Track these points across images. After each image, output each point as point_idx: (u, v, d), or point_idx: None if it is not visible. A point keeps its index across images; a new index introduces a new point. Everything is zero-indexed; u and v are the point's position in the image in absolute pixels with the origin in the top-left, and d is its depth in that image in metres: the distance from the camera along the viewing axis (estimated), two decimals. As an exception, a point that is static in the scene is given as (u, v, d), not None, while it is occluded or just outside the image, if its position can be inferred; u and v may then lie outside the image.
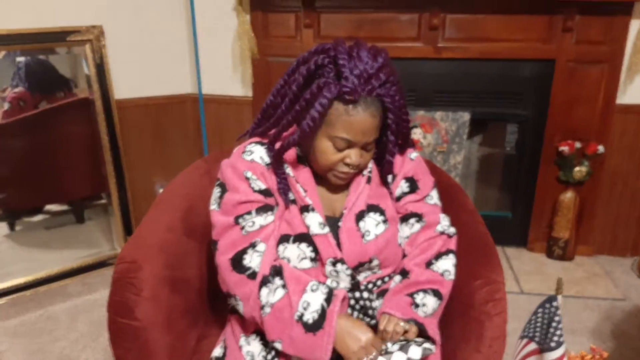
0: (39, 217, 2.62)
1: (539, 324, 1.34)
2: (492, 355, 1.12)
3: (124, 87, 2.43)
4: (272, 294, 1.02)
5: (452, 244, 1.19)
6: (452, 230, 1.20)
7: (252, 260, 1.05)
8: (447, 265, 1.15)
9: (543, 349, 1.28)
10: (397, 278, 1.15)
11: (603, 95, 2.39)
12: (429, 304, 1.09)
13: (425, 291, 1.11)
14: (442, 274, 1.13)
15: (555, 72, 2.39)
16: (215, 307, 1.33)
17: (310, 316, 1.00)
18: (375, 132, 1.03)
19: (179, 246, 1.24)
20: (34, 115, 2.34)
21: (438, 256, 1.16)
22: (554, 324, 1.25)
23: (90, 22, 2.25)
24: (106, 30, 2.29)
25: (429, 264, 1.14)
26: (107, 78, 2.33)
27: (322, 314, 1.00)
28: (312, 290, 1.02)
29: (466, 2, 2.32)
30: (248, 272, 1.04)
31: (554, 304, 1.27)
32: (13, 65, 2.27)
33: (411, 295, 1.10)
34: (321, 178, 1.13)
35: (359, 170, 1.10)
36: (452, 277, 1.15)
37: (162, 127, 2.67)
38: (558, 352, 1.25)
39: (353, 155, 1.03)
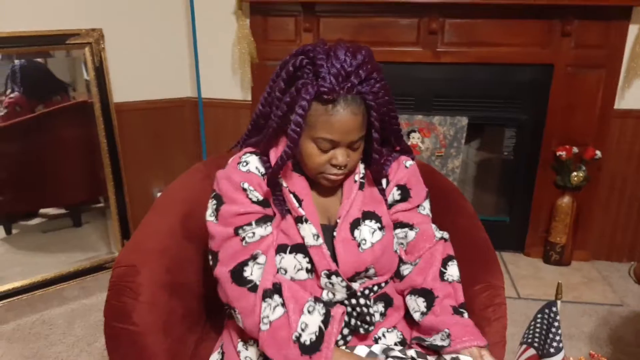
0: (35, 221, 2.61)
1: (538, 330, 1.34)
2: (491, 361, 1.12)
3: (123, 91, 2.43)
4: (271, 311, 1.00)
5: (450, 249, 1.19)
6: (446, 234, 1.20)
7: (252, 272, 1.03)
8: (454, 270, 1.16)
9: (542, 354, 1.27)
10: (420, 300, 1.13)
11: (601, 100, 2.39)
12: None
13: (460, 306, 1.13)
14: (458, 282, 1.15)
15: (553, 76, 2.39)
16: (214, 312, 1.32)
17: (307, 337, 0.98)
18: (358, 130, 1.01)
19: (177, 250, 1.23)
20: (31, 119, 2.33)
21: (444, 264, 1.15)
22: (553, 330, 1.25)
23: (90, 25, 2.25)
24: (106, 33, 2.28)
25: (442, 275, 1.14)
26: (106, 81, 2.32)
27: (320, 336, 0.98)
28: (309, 312, 1.00)
29: (465, 7, 2.33)
30: (249, 285, 1.02)
31: (554, 309, 1.27)
32: (8, 69, 2.26)
33: (460, 313, 1.11)
34: (316, 184, 1.12)
35: (349, 170, 1.07)
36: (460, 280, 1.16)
37: (161, 131, 2.67)
38: (557, 358, 1.24)
39: (339, 156, 1.02)
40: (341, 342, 1.07)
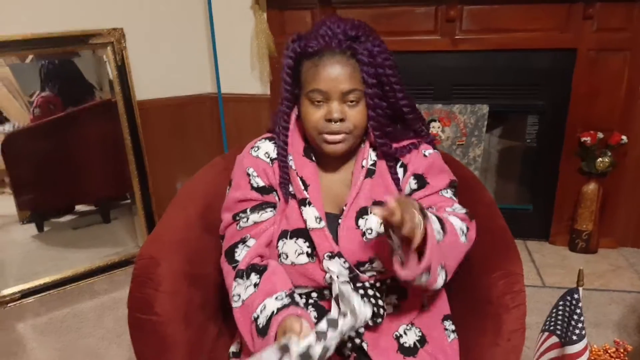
0: (66, 218, 2.69)
1: (560, 317, 1.33)
2: (511, 349, 1.11)
3: (145, 88, 2.47)
4: (244, 290, 1.05)
5: (469, 223, 1.11)
6: (471, 214, 1.13)
7: (241, 254, 1.10)
8: (456, 222, 1.06)
9: (564, 342, 1.27)
10: None
11: (626, 84, 2.34)
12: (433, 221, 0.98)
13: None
14: (453, 224, 1.05)
15: (576, 61, 2.34)
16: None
17: (263, 320, 1.00)
18: (348, 81, 1.01)
19: (197, 242, 1.26)
20: (60, 118, 2.40)
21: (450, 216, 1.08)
22: (575, 317, 1.24)
23: (112, 25, 2.30)
24: (127, 32, 2.32)
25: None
26: (128, 80, 2.37)
27: (269, 320, 0.98)
28: (276, 299, 1.01)
29: (483, -7, 2.30)
30: (234, 265, 1.09)
31: (575, 296, 1.26)
32: (39, 69, 2.33)
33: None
34: (326, 172, 1.13)
35: (348, 130, 1.04)
36: (461, 237, 1.06)
37: (183, 127, 2.71)
38: (579, 346, 1.23)
39: (333, 108, 1.02)
40: (353, 334, 1.04)
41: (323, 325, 0.88)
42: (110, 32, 2.29)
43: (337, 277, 1.05)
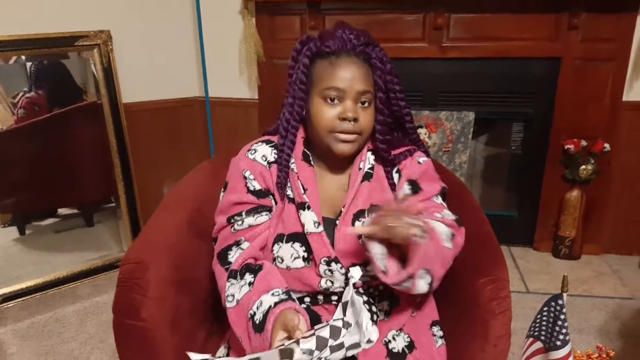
0: (49, 221, 2.65)
1: (544, 323, 1.34)
2: (497, 354, 1.12)
3: (131, 91, 2.46)
4: (238, 290, 1.04)
5: (457, 229, 1.10)
6: (460, 220, 1.13)
7: (234, 256, 1.09)
8: (442, 228, 1.05)
9: (548, 347, 1.28)
10: None
11: (610, 93, 2.38)
12: None
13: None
14: (436, 229, 1.03)
15: (561, 70, 2.38)
16: (221, 307, 1.33)
17: (259, 316, 0.98)
18: (364, 81, 1.04)
19: (184, 247, 1.25)
20: (44, 120, 2.37)
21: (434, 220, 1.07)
22: (559, 323, 1.25)
23: (98, 27, 2.28)
24: (114, 35, 2.31)
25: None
26: (115, 82, 2.35)
27: (266, 314, 0.97)
28: (272, 295, 1.00)
29: (470, 2, 2.33)
30: (227, 266, 1.08)
31: (560, 302, 1.27)
32: (23, 70, 2.30)
33: None
34: (324, 177, 1.13)
35: (361, 130, 1.06)
36: (446, 243, 1.04)
37: (170, 131, 2.69)
38: (564, 351, 1.24)
39: (348, 108, 1.04)
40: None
41: (325, 332, 0.85)
42: (97, 35, 2.28)
43: (354, 284, 0.99)
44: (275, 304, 0.97)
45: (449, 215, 1.13)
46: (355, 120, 1.04)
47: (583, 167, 2.41)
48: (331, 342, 0.84)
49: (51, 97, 2.37)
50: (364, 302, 1.08)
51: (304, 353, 0.82)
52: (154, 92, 2.58)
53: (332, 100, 1.04)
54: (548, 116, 2.48)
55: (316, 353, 0.83)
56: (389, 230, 0.90)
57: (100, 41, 2.29)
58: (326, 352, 0.84)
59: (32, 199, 2.50)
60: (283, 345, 0.85)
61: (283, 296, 1.00)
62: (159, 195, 2.66)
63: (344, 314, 0.88)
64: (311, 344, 0.83)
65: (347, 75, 1.03)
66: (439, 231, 1.03)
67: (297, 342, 0.84)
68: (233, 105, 2.68)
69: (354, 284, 0.95)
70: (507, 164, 2.90)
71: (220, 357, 0.81)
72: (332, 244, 1.08)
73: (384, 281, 0.96)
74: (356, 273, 0.95)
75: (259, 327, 0.97)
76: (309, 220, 1.07)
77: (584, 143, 2.40)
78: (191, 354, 0.80)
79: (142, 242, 1.22)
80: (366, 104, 1.06)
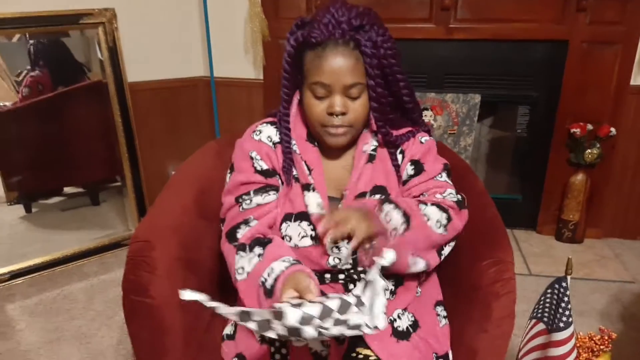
0: (54, 199, 2.67)
1: (547, 305, 1.35)
2: (500, 335, 1.13)
3: (136, 70, 2.45)
4: (248, 262, 1.04)
5: (456, 212, 1.12)
6: (463, 202, 1.15)
7: (242, 233, 1.09)
8: (434, 214, 1.07)
9: (551, 329, 1.29)
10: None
11: (617, 77, 2.36)
12: (394, 218, 1.02)
13: (395, 206, 1.04)
14: (425, 214, 1.06)
15: (568, 53, 2.36)
16: (228, 286, 1.34)
17: (270, 281, 0.98)
18: (350, 74, 1.01)
19: (191, 226, 1.26)
20: (49, 99, 2.37)
21: (432, 203, 1.09)
22: (562, 305, 1.26)
23: (103, 5, 2.26)
24: (118, 13, 2.29)
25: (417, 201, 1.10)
26: (119, 61, 2.35)
27: (277, 279, 0.97)
28: (283, 261, 1.00)
29: (479, -18, 2.30)
30: (235, 243, 1.09)
31: (563, 284, 1.28)
32: (26, 48, 2.29)
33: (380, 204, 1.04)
34: (329, 155, 1.14)
35: (350, 123, 1.06)
36: (436, 229, 1.07)
37: (175, 110, 2.69)
38: (566, 333, 1.26)
39: (335, 102, 1.03)
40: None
41: (334, 303, 0.81)
42: (102, 12, 2.26)
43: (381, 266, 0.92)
44: (287, 267, 0.98)
45: (452, 196, 1.14)
46: (343, 114, 1.04)
47: (588, 151, 2.41)
48: (337, 315, 0.81)
49: (54, 75, 2.37)
50: (361, 273, 1.09)
51: (299, 322, 0.78)
52: (158, 71, 2.58)
53: (320, 95, 1.03)
54: (554, 99, 2.46)
55: (317, 322, 0.79)
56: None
57: (104, 19, 2.27)
58: (328, 323, 0.80)
59: (38, 177, 2.52)
60: (289, 303, 0.82)
61: (294, 262, 1.01)
62: (163, 174, 2.67)
63: (363, 293, 0.85)
64: (315, 310, 0.79)
65: (334, 68, 1.00)
66: (430, 219, 1.06)
67: (300, 305, 0.81)
68: (238, 86, 2.67)
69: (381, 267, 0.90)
70: (512, 147, 2.90)
71: (212, 302, 0.77)
72: None
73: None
74: (389, 256, 0.87)
75: (270, 292, 0.97)
76: (313, 201, 1.08)
77: (590, 127, 2.40)
78: (184, 293, 0.77)
79: (150, 222, 1.23)
80: (356, 96, 1.04)
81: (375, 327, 0.82)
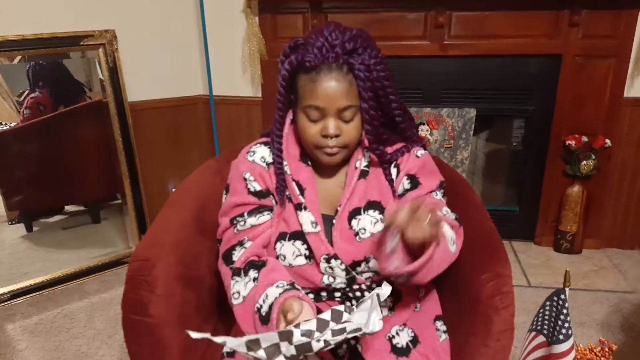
0: (55, 218, 2.68)
1: (546, 317, 1.36)
2: (500, 349, 1.13)
3: (137, 90, 2.48)
4: (244, 286, 1.06)
5: (457, 230, 1.12)
6: (459, 220, 1.15)
7: (238, 255, 1.11)
8: (448, 232, 1.06)
9: (551, 341, 1.30)
10: None
11: (610, 89, 2.39)
12: (447, 230, 1.04)
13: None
14: (445, 235, 1.03)
15: (561, 67, 2.39)
16: (227, 303, 1.35)
17: (266, 307, 0.99)
18: (344, 98, 1.01)
19: (191, 244, 1.27)
20: (50, 119, 2.40)
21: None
22: (562, 317, 1.27)
23: (104, 27, 2.30)
24: (119, 34, 2.33)
25: None
26: (120, 81, 2.37)
27: (272, 306, 0.98)
28: (277, 287, 1.01)
29: (471, 0, 2.33)
30: (231, 266, 1.11)
31: (562, 296, 1.29)
32: (27, 70, 2.32)
33: None
34: (322, 173, 1.15)
35: (344, 144, 1.07)
36: (451, 246, 1.05)
37: (175, 129, 2.72)
38: (566, 345, 1.26)
39: (328, 125, 1.03)
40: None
41: (327, 315, 0.85)
42: (102, 34, 2.30)
43: (378, 295, 0.93)
44: (280, 294, 0.99)
45: (450, 214, 1.15)
46: (337, 136, 1.05)
47: (584, 162, 2.43)
48: (332, 325, 0.84)
49: (54, 96, 2.40)
50: (356, 291, 1.11)
51: (302, 335, 0.82)
52: (158, 90, 2.60)
53: (314, 118, 1.04)
54: (549, 112, 2.49)
55: (317, 334, 0.82)
56: (414, 225, 0.91)
57: (105, 40, 2.31)
58: (327, 335, 0.83)
59: (39, 196, 2.53)
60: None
61: (287, 287, 1.02)
62: (164, 192, 2.69)
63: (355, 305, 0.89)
64: (311, 324, 0.83)
65: (328, 92, 1.00)
66: (448, 236, 1.04)
67: (298, 325, 0.84)
68: (237, 104, 2.70)
69: (377, 295, 0.92)
70: (508, 160, 2.92)
71: (219, 338, 0.80)
72: (331, 242, 1.10)
73: (384, 273, 0.98)
74: (386, 290, 0.91)
75: (265, 319, 0.99)
76: (307, 220, 1.09)
77: (585, 139, 2.42)
78: (191, 333, 0.80)
79: (150, 240, 1.24)
80: (349, 118, 1.04)
81: (372, 331, 0.86)
